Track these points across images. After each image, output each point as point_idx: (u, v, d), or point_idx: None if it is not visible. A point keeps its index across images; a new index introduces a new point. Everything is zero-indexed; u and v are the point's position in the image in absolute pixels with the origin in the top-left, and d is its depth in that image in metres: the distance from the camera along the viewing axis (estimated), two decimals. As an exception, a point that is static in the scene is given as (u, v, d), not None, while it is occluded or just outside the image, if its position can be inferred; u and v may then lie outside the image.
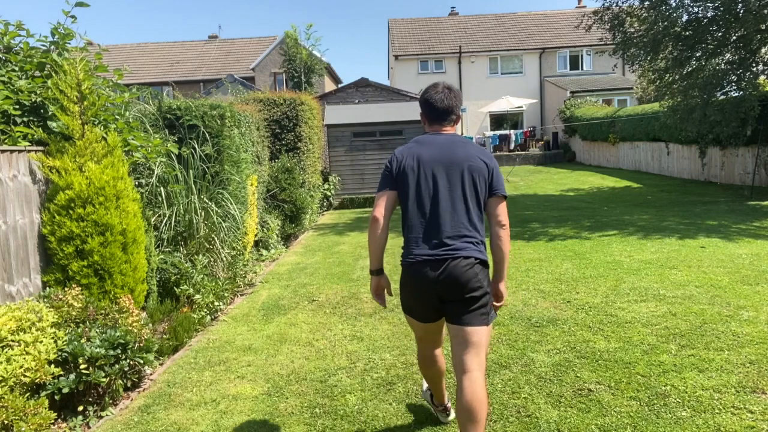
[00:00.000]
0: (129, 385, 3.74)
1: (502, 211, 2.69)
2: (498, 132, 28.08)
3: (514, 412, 3.21)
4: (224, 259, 6.29)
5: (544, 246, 7.81)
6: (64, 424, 3.23)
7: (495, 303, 2.76)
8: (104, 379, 3.39)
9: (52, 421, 3.02)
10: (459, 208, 2.64)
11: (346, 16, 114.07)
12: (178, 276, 5.45)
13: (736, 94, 12.40)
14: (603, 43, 16.13)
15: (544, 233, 8.82)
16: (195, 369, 4.12)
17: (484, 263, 2.64)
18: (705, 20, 12.54)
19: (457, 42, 30.44)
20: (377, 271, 2.82)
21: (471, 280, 2.56)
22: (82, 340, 3.43)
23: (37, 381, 3.14)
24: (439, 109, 2.85)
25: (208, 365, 4.18)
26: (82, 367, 3.33)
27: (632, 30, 13.45)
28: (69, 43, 4.63)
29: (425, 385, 3.21)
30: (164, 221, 5.80)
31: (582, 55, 29.86)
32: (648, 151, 18.75)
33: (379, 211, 2.71)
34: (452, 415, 3.12)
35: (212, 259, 6.14)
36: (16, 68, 4.29)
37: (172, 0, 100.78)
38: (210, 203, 6.21)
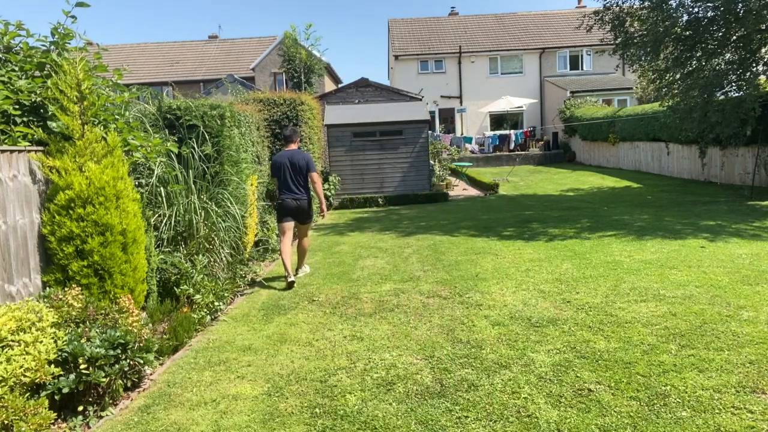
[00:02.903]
0: (129, 385, 3.74)
1: (315, 177, 6.71)
2: (498, 132, 28.08)
3: (514, 412, 3.21)
4: (224, 259, 6.29)
5: (544, 246, 7.81)
6: (64, 424, 3.23)
7: (321, 215, 7.51)
8: (104, 379, 3.39)
9: (52, 421, 3.02)
10: (298, 180, 6.60)
11: (346, 16, 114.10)
12: (178, 276, 5.45)
13: (737, 94, 12.39)
14: (603, 43, 16.15)
15: (544, 233, 8.82)
16: (195, 369, 4.12)
17: (310, 200, 6.75)
18: (705, 20, 12.53)
19: (457, 42, 30.45)
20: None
21: (306, 208, 6.67)
22: (82, 340, 3.43)
23: (37, 381, 3.14)
24: (285, 137, 6.86)
25: (208, 365, 4.18)
26: (82, 367, 3.33)
27: (633, 30, 13.45)
28: (69, 43, 4.63)
29: (291, 277, 6.30)
30: (164, 221, 5.80)
31: (582, 55, 29.86)
32: (648, 151, 18.75)
33: (275, 182, 6.77)
34: (292, 278, 6.33)
35: (212, 259, 6.14)
36: (16, 68, 4.29)
37: (172, 0, 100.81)
38: (210, 203, 6.21)
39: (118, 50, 34.12)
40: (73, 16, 4.58)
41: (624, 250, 7.26)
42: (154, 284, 5.09)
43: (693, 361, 3.71)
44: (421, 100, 17.28)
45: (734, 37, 12.54)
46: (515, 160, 23.98)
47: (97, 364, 3.38)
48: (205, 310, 5.21)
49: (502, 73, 30.09)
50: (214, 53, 35.67)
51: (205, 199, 6.21)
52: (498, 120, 30.02)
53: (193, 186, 6.14)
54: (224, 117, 6.61)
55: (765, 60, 12.58)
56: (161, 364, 4.25)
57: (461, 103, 29.90)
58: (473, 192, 16.25)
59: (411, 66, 30.06)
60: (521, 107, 27.59)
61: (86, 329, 3.55)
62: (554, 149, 25.99)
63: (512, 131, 27.33)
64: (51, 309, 3.55)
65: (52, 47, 4.58)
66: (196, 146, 6.27)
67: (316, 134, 12.78)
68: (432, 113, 29.06)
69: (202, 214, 6.09)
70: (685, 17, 12.75)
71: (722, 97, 12.68)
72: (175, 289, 5.34)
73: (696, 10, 12.64)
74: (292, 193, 6.55)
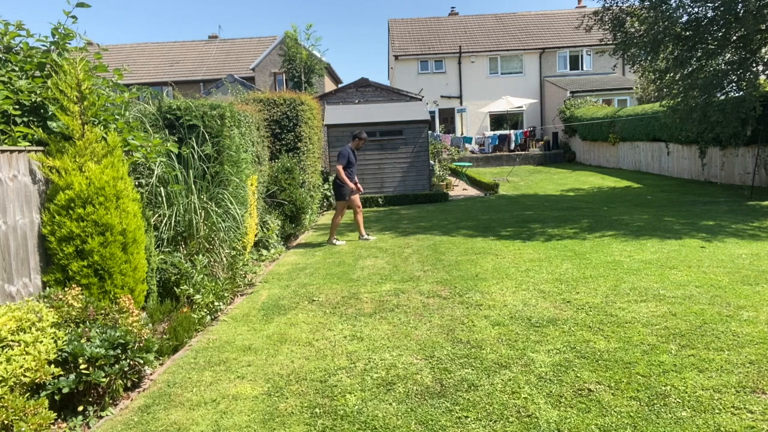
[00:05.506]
0: (129, 385, 3.74)
1: (338, 168, 8.88)
2: (498, 132, 28.08)
3: (514, 412, 3.21)
4: (224, 259, 6.29)
5: (544, 246, 7.81)
6: (64, 424, 3.23)
7: (359, 190, 9.20)
8: (104, 379, 3.39)
9: (52, 421, 3.02)
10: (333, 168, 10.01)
11: (346, 16, 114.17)
12: (178, 276, 5.45)
13: (737, 94, 12.40)
14: (603, 43, 16.16)
15: (543, 233, 8.82)
16: (195, 369, 4.12)
17: (335, 183, 9.11)
18: (705, 20, 12.54)
19: (457, 42, 30.45)
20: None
21: (336, 188, 9.15)
22: (82, 340, 3.43)
23: (37, 381, 3.14)
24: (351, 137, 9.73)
25: (208, 365, 4.18)
26: (82, 367, 3.33)
27: (632, 30, 13.46)
28: (69, 43, 4.63)
29: (337, 242, 8.93)
30: (164, 221, 5.80)
31: (582, 55, 29.87)
32: (648, 151, 18.75)
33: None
34: (342, 243, 8.91)
35: (212, 259, 6.14)
36: (16, 68, 4.28)
37: (172, 0, 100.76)
38: (210, 203, 6.21)
39: (118, 50, 34.13)
40: (73, 17, 4.58)
41: (624, 250, 7.26)
42: (154, 284, 5.09)
43: (693, 361, 3.71)
44: (421, 100, 17.29)
45: (734, 37, 12.54)
46: (515, 160, 23.98)
47: (97, 364, 3.38)
48: (205, 310, 5.21)
49: (502, 73, 30.09)
50: (214, 53, 35.67)
51: (205, 199, 6.21)
52: (498, 120, 30.03)
53: (193, 186, 6.14)
54: (224, 117, 6.61)
55: (765, 60, 12.59)
56: (161, 364, 4.25)
57: (461, 103, 29.90)
58: (473, 192, 16.24)
59: (411, 66, 30.07)
60: (521, 107, 27.60)
61: (86, 329, 3.54)
62: (554, 149, 25.98)
63: (512, 131, 27.34)
64: (51, 309, 3.55)
65: (53, 47, 4.58)
66: (196, 146, 6.27)
67: (316, 134, 12.77)
68: (432, 113, 29.07)
69: (202, 214, 6.09)
70: (685, 17, 12.76)
71: (722, 97, 12.69)
72: (175, 289, 5.34)
73: (695, 10, 12.64)
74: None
